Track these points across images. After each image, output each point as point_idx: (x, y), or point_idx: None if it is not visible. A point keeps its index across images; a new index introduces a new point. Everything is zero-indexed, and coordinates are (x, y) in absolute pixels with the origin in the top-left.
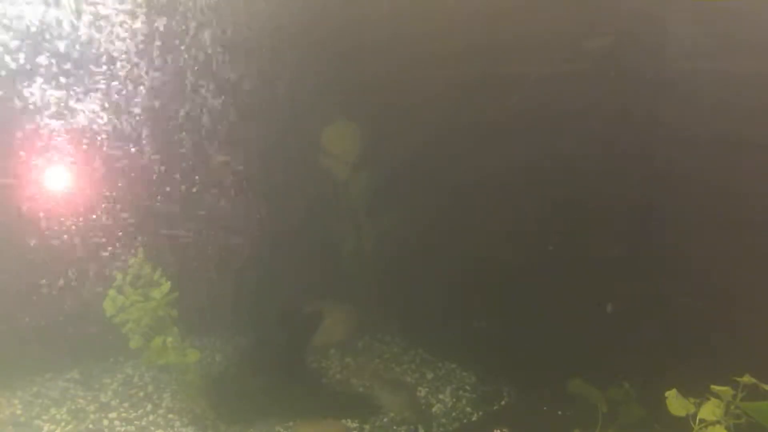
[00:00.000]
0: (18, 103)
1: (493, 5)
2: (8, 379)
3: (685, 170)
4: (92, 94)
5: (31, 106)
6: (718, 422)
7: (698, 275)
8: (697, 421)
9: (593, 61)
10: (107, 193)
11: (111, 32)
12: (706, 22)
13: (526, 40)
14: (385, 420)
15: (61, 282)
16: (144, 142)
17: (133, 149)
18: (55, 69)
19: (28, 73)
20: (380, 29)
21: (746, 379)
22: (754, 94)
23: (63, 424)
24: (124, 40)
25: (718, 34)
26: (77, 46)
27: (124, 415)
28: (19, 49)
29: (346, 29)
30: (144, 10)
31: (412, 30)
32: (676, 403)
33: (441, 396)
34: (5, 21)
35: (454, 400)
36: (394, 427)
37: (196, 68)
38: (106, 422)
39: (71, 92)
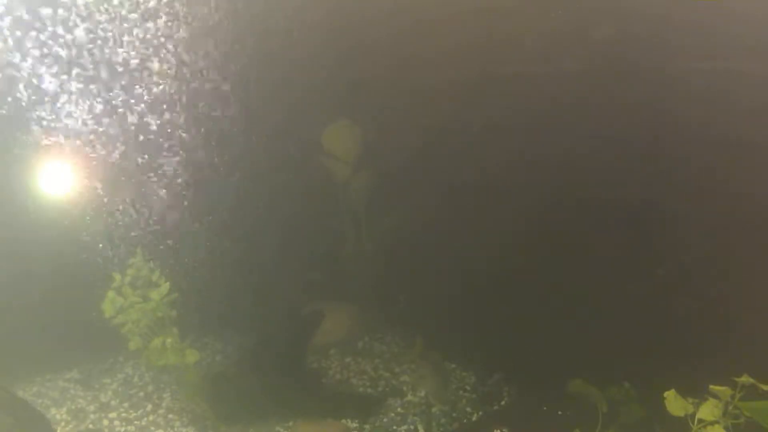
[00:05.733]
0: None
1: (493, 4)
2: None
3: (686, 170)
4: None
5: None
6: (717, 422)
7: (698, 275)
8: (696, 421)
9: (593, 60)
10: (107, 193)
11: (110, 31)
12: (707, 22)
13: (527, 39)
14: (385, 420)
15: (61, 282)
16: (142, 141)
17: (131, 149)
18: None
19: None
20: (380, 29)
21: (744, 379)
22: (755, 94)
23: (63, 424)
24: (123, 37)
25: (718, 33)
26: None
27: (124, 415)
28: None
29: (346, 28)
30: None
31: (413, 29)
32: (674, 403)
33: None
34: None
35: (454, 400)
36: (394, 427)
37: (195, 67)
38: (106, 422)
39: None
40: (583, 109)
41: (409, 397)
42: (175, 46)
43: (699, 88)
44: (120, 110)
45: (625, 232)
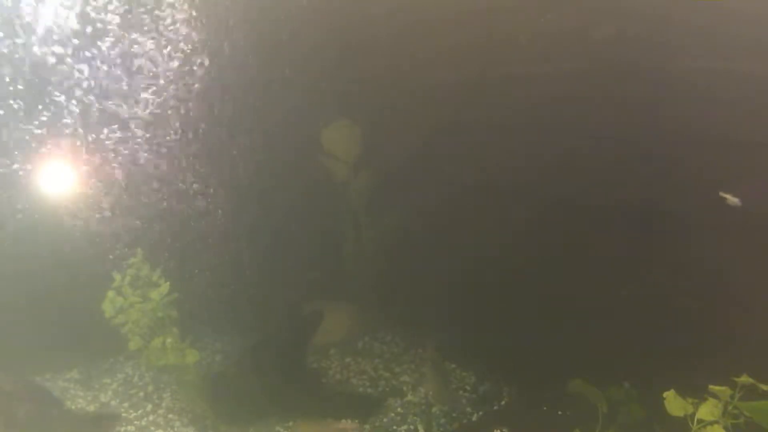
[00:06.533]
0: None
1: (493, 4)
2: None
3: (685, 170)
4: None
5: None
6: (716, 422)
7: (698, 275)
8: (696, 421)
9: (593, 60)
10: (107, 194)
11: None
12: (707, 22)
13: (527, 39)
14: (385, 420)
15: (62, 282)
16: (144, 143)
17: (133, 151)
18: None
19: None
20: (380, 29)
21: (744, 379)
22: (755, 94)
23: None
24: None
25: (718, 33)
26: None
27: (124, 415)
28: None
29: (346, 28)
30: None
31: (413, 29)
32: (674, 403)
33: None
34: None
35: (454, 399)
36: (394, 427)
37: (196, 69)
38: None
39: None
40: (583, 109)
41: (409, 397)
42: (176, 48)
43: (699, 88)
44: (119, 112)
45: (624, 232)
